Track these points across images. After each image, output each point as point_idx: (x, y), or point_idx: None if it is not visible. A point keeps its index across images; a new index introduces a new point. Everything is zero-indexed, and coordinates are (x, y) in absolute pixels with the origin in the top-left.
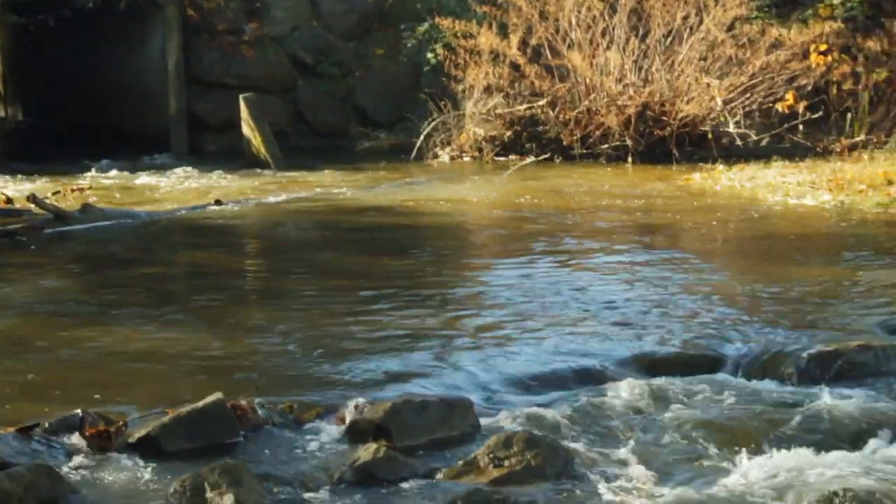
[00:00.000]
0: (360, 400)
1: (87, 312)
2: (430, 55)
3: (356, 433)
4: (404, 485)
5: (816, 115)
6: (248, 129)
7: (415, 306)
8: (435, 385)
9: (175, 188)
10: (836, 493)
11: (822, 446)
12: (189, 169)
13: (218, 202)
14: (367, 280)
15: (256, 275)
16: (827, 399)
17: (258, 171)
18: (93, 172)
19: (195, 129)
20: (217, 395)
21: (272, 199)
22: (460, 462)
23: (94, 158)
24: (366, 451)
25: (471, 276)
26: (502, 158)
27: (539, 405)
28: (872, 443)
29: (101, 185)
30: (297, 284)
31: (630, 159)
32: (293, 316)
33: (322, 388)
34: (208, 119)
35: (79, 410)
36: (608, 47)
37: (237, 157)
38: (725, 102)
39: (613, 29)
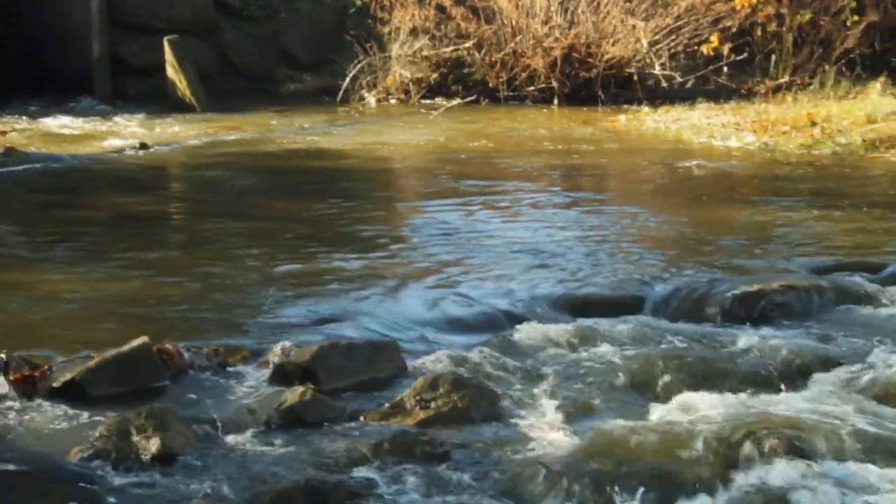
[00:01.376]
0: (287, 343)
1: (11, 256)
2: None
3: (282, 376)
4: (331, 427)
5: (741, 57)
6: (172, 71)
7: (341, 249)
8: (361, 328)
9: (99, 131)
10: (757, 432)
11: (745, 386)
12: (113, 112)
13: (143, 145)
14: (293, 223)
15: (182, 218)
16: (750, 339)
17: (183, 114)
18: (15, 116)
19: (119, 73)
20: (143, 339)
21: (197, 142)
22: (387, 404)
23: (16, 102)
24: (292, 394)
25: (397, 218)
26: (429, 101)
27: (466, 347)
28: (795, 382)
29: (24, 129)
30: (223, 228)
31: (556, 101)
32: (219, 260)
33: (248, 332)
34: (132, 62)
35: (2, 354)
36: None
37: (162, 101)
38: (651, 44)
39: None
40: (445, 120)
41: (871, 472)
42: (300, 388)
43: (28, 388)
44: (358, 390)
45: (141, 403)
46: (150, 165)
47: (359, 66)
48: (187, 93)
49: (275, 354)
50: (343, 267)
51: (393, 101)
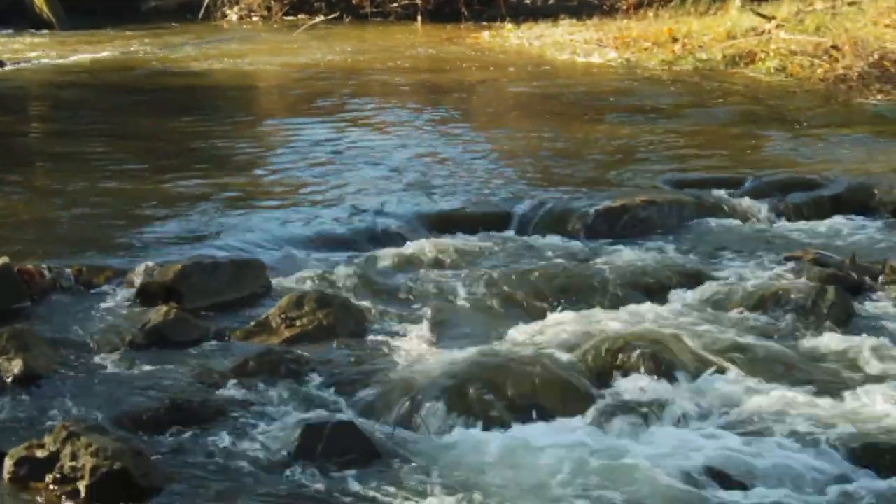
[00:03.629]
0: (150, 262)
1: None
2: None
3: (146, 296)
4: (196, 346)
5: None
6: None
7: (204, 168)
8: (226, 246)
9: None
10: (621, 346)
11: (608, 300)
12: None
13: None
14: (156, 142)
15: (41, 137)
16: (613, 254)
17: (41, 31)
18: None
19: None
20: (2, 260)
21: (56, 60)
22: (252, 323)
23: None
24: (156, 314)
25: (261, 137)
26: (291, 18)
27: (331, 265)
28: (657, 295)
29: None
30: (83, 147)
31: (420, 18)
32: (80, 179)
33: (111, 252)
34: None
35: None
36: None
37: (19, 18)
38: None
39: None
40: (309, 37)
41: (730, 382)
42: (164, 308)
43: None
44: (223, 309)
45: (2, 325)
46: (6, 84)
47: None
48: (45, 9)
49: (138, 274)
50: (207, 186)
51: (255, 18)
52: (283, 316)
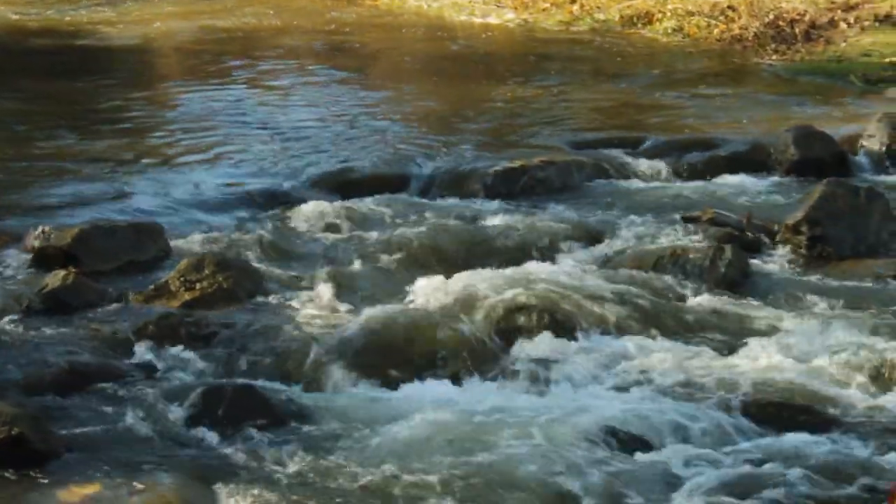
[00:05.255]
0: (47, 226)
1: None
2: None
3: (44, 260)
4: (95, 310)
5: None
6: None
7: (100, 131)
8: (124, 210)
9: None
10: (521, 307)
11: (507, 261)
12: None
13: None
14: (48, 104)
15: None
16: (512, 215)
17: None
18: None
19: None
20: None
21: None
22: (151, 286)
23: None
24: (54, 278)
25: (156, 99)
26: None
27: (230, 228)
28: (555, 256)
29: None
30: None
31: None
32: None
33: (6, 215)
34: None
35: None
36: None
37: None
38: None
39: None
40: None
41: (628, 341)
42: (62, 272)
43: None
44: (121, 273)
45: None
46: None
47: None
48: None
49: (35, 238)
50: (106, 149)
51: None
52: (182, 279)
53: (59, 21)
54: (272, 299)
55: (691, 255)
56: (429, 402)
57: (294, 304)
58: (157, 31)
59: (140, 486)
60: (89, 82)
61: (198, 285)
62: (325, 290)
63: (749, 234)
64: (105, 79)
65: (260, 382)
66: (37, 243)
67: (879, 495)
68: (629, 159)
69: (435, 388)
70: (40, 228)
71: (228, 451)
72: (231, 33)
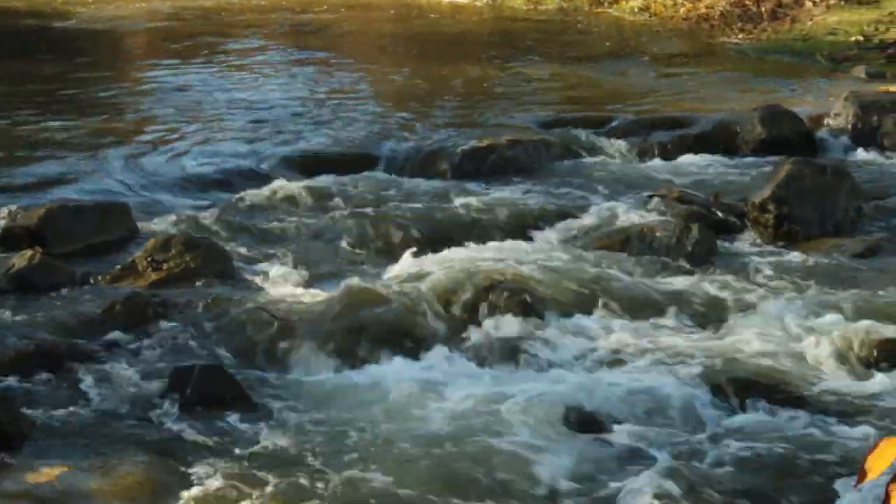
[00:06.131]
0: (13, 206)
1: None
2: None
3: (10, 240)
4: (61, 291)
5: None
6: None
7: (69, 111)
8: (91, 190)
9: None
10: (489, 287)
11: (476, 241)
12: None
13: None
14: (16, 85)
15: None
16: (480, 194)
17: None
18: None
19: None
20: None
21: None
22: (119, 266)
23: None
24: (20, 258)
25: (125, 79)
26: None
27: (198, 207)
28: (523, 235)
29: None
30: None
31: None
32: None
33: None
34: None
35: None
36: None
37: None
38: None
39: None
40: None
41: (595, 320)
42: (28, 252)
43: None
44: (88, 253)
45: None
46: None
47: None
48: None
49: (1, 217)
50: (71, 128)
51: None
52: (149, 259)
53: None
54: (240, 279)
55: (658, 234)
56: (396, 380)
57: (262, 283)
58: (136, 10)
59: (108, 467)
60: (57, 63)
61: (165, 265)
62: (293, 270)
63: (716, 212)
64: (76, 59)
65: (228, 362)
66: (3, 223)
67: (849, 471)
68: (597, 138)
69: (402, 367)
70: (6, 208)
71: (196, 430)
72: (190, 12)
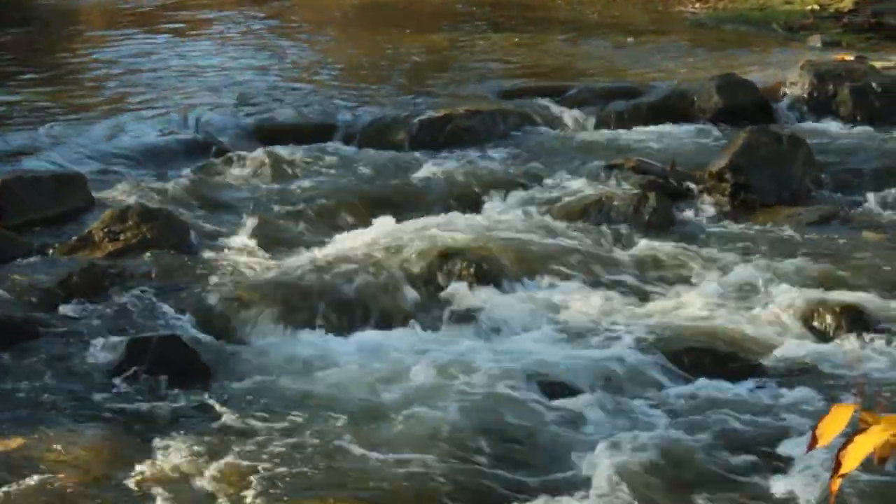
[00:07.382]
0: None
1: None
2: None
3: None
4: (17, 262)
5: None
6: None
7: (24, 81)
8: (47, 160)
9: None
10: (448, 257)
11: (433, 211)
12: None
13: None
14: None
15: None
16: (437, 164)
17: None
18: None
19: None
20: None
21: None
22: (75, 238)
23: None
24: None
25: (81, 48)
26: None
27: (155, 178)
28: (481, 205)
29: None
30: None
31: None
32: None
33: None
34: None
35: None
36: None
37: None
38: None
39: None
40: None
41: (553, 288)
42: None
43: None
44: (44, 224)
45: None
46: None
47: None
48: None
49: None
50: (26, 99)
51: None
52: (106, 230)
53: None
54: (197, 249)
55: (615, 203)
56: (355, 350)
57: (219, 253)
58: None
59: (66, 438)
60: (13, 34)
61: (122, 236)
62: (250, 240)
63: (673, 181)
64: (26, 29)
65: (185, 333)
66: None
67: (801, 437)
68: (554, 108)
69: (362, 336)
70: None
71: (153, 402)
72: None
